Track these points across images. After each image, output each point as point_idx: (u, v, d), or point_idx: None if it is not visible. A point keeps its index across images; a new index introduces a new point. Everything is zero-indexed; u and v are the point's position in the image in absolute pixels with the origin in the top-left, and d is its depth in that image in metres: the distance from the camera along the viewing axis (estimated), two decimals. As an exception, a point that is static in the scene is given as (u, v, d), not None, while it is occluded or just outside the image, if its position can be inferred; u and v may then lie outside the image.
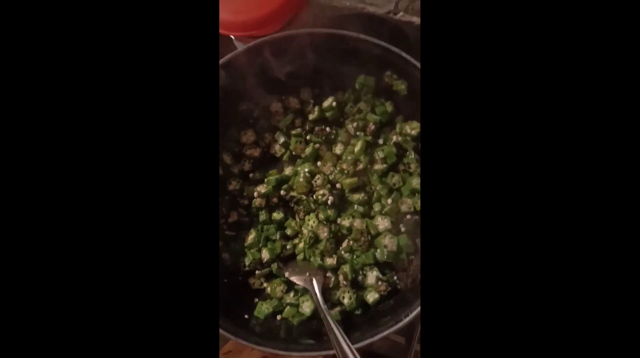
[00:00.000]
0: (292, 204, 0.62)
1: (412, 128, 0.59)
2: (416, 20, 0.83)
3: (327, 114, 0.63)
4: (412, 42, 0.81)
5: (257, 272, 0.60)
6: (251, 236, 0.60)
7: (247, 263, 0.60)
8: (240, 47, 0.75)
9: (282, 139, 0.63)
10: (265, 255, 0.59)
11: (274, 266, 0.59)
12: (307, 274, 0.56)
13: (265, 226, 0.61)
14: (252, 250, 0.60)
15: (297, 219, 0.61)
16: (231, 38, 0.70)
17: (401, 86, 0.59)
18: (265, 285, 0.60)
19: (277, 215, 0.61)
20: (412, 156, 0.59)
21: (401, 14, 0.83)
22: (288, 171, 0.63)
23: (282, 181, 0.62)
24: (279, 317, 0.56)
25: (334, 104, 0.62)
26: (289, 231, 0.61)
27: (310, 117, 0.63)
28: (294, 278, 0.56)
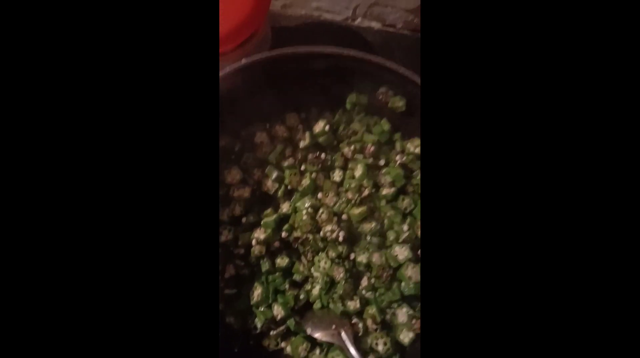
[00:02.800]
0: (297, 246, 0.54)
1: (416, 146, 0.55)
2: (375, 25, 0.80)
3: (320, 139, 0.56)
4: (375, 48, 0.78)
5: (271, 333, 0.52)
6: (257, 293, 0.52)
7: (258, 325, 0.51)
8: None
9: (274, 174, 0.55)
10: (278, 311, 0.51)
11: (291, 322, 0.51)
12: (333, 327, 0.49)
13: (270, 277, 0.53)
14: (261, 308, 0.52)
15: (305, 261, 0.54)
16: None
17: (399, 103, 0.55)
18: (283, 344, 0.52)
19: (282, 261, 0.53)
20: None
21: (359, 20, 0.79)
22: (285, 208, 0.55)
23: (282, 221, 0.54)
24: None
25: (327, 127, 0.55)
26: (297, 277, 0.53)
27: (302, 144, 0.57)
28: (319, 335, 0.49)
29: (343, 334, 0.48)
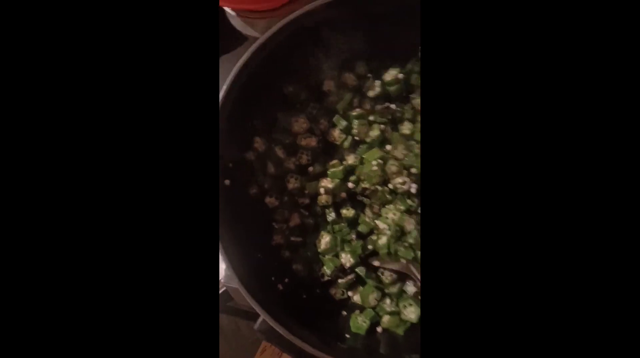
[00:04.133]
0: (362, 198, 0.54)
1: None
2: None
3: (391, 89, 0.54)
4: None
5: (339, 281, 0.52)
6: (325, 241, 0.52)
7: (328, 272, 0.51)
8: (235, 23, 0.65)
9: (343, 124, 0.54)
10: (346, 259, 0.51)
11: (361, 270, 0.51)
12: (404, 261, 0.49)
13: (336, 226, 0.52)
14: (329, 256, 0.52)
15: (370, 213, 0.53)
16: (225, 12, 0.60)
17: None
18: (350, 293, 0.52)
19: (348, 212, 0.53)
20: None
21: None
22: (351, 159, 0.54)
23: (348, 173, 0.53)
24: (379, 329, 0.49)
25: (400, 76, 0.53)
26: (362, 228, 0.53)
27: (371, 94, 0.55)
28: (387, 265, 0.49)
29: (412, 267, 0.48)
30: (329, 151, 0.55)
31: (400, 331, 0.48)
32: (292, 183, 0.53)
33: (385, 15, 0.51)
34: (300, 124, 0.54)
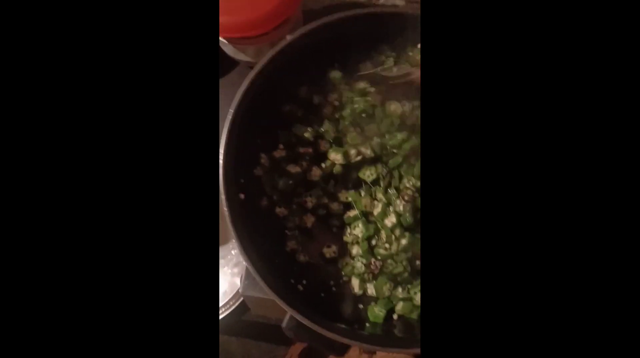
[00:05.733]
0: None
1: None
2: (399, 2, 0.81)
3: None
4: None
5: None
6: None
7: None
8: (227, 50, 0.69)
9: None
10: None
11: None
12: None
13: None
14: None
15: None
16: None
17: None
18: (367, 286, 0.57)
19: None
20: None
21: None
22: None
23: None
24: (395, 316, 0.54)
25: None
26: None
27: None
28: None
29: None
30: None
31: (414, 315, 0.53)
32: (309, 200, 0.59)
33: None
34: (299, 136, 0.60)
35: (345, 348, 0.54)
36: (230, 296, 0.80)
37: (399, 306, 0.54)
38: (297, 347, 0.65)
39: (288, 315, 0.47)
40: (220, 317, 0.72)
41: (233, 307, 0.81)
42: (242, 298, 0.79)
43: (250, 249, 0.49)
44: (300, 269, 0.57)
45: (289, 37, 0.56)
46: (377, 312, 0.53)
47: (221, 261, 0.73)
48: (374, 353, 0.53)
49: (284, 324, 0.49)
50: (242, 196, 0.53)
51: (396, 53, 0.58)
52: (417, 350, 0.45)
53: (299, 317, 0.46)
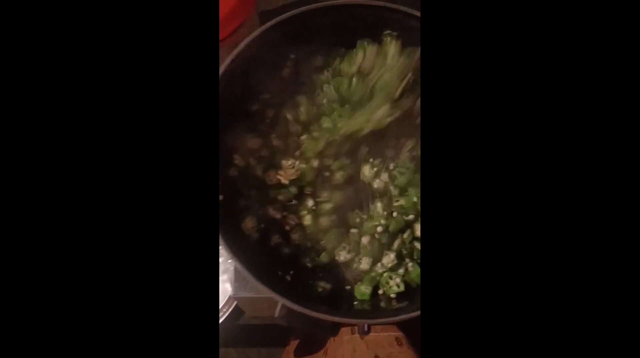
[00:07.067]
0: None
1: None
2: None
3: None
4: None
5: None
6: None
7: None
8: None
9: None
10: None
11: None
12: None
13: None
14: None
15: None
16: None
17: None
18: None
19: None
20: None
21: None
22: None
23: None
24: (380, 292, 0.56)
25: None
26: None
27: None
28: None
29: None
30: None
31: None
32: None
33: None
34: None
35: (337, 328, 0.56)
36: (223, 302, 0.81)
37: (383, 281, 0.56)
38: (293, 344, 0.66)
39: (280, 304, 0.49)
40: (216, 323, 0.73)
41: (227, 313, 0.82)
42: (235, 303, 0.80)
43: (237, 250, 0.51)
44: (286, 261, 0.59)
45: (245, 41, 0.58)
46: (363, 290, 0.55)
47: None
48: (366, 334, 0.56)
49: (276, 314, 0.51)
50: (221, 197, 0.54)
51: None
52: (403, 317, 0.48)
53: (288, 303, 0.48)
